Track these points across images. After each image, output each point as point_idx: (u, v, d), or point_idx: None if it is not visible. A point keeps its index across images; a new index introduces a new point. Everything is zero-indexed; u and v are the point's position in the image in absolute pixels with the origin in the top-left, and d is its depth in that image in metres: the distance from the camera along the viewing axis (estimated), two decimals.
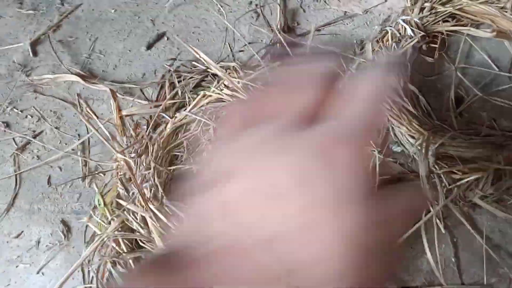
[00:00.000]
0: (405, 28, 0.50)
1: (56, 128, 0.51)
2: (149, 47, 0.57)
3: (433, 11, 0.53)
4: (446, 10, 0.52)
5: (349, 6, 0.55)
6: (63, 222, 0.46)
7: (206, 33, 0.57)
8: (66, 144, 0.50)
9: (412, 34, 0.49)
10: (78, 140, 0.50)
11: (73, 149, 0.49)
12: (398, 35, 0.50)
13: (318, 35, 0.54)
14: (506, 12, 0.49)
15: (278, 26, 0.54)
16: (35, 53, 0.57)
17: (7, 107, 0.53)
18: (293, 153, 0.19)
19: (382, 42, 0.51)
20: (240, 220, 0.19)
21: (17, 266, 0.45)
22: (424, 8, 0.53)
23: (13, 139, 0.51)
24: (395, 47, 0.49)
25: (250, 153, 0.20)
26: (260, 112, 0.22)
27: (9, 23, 0.59)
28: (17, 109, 0.53)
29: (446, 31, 0.51)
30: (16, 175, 0.49)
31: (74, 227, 0.46)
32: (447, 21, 0.53)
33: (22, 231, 0.46)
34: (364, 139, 0.20)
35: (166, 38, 0.57)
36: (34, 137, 0.51)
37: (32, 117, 0.52)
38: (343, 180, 0.18)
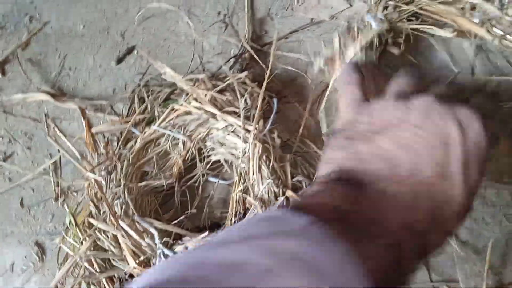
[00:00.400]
0: (370, 24, 0.50)
1: (28, 148, 0.51)
2: (119, 61, 0.56)
3: (397, 9, 0.53)
4: (409, 9, 0.52)
5: (315, 12, 0.55)
6: (37, 244, 0.46)
7: (176, 45, 0.57)
8: (38, 164, 0.50)
9: (377, 28, 0.49)
10: (50, 160, 0.50)
11: (44, 169, 0.49)
12: (362, 29, 0.49)
13: (285, 42, 0.54)
14: (466, 12, 0.50)
15: (246, 36, 0.54)
16: (3, 73, 0.56)
17: None
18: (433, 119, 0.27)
19: (349, 35, 0.51)
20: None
21: None
22: (388, 6, 0.52)
23: None
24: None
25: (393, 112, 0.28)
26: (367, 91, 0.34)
27: None
28: None
29: (410, 29, 0.52)
30: None
31: (48, 248, 0.46)
32: (411, 20, 0.53)
33: None
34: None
35: (136, 52, 0.57)
36: (5, 159, 0.51)
37: (2, 138, 0.52)
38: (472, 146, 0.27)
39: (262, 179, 0.44)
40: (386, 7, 0.53)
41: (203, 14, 0.58)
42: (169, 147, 0.47)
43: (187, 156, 0.49)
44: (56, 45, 0.58)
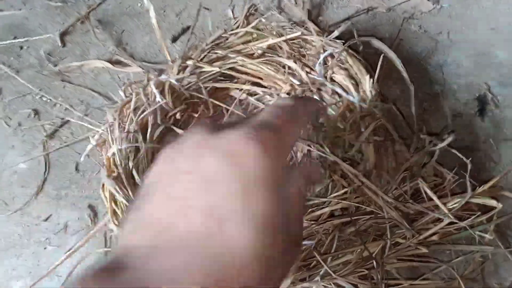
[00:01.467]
0: (154, 94, 0.44)
1: (85, 115, 0.52)
2: (174, 40, 0.58)
3: (200, 70, 0.48)
4: (212, 70, 0.46)
5: (372, 3, 0.56)
6: (90, 207, 0.48)
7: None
8: (95, 128, 0.51)
9: (159, 100, 0.44)
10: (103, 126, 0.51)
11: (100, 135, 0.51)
12: (145, 100, 0.44)
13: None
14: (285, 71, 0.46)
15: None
16: (63, 44, 0.58)
17: (36, 95, 0.55)
18: (203, 158, 0.23)
19: (122, 112, 0.45)
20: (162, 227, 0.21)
21: (45, 248, 0.46)
22: (187, 67, 0.47)
23: (42, 126, 0.53)
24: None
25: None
26: None
27: (39, 14, 0.61)
28: (46, 98, 0.54)
29: (210, 98, 0.47)
30: (45, 161, 0.50)
31: (100, 212, 0.47)
32: (222, 80, 0.48)
33: (51, 215, 0.48)
34: (266, 134, 0.24)
35: (190, 32, 0.58)
36: (62, 125, 0.52)
37: (60, 105, 0.54)
38: (248, 174, 0.22)
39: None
40: (185, 68, 0.48)
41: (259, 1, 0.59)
42: None
43: None
44: (114, 21, 0.60)
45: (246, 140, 0.23)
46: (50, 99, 0.54)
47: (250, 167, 0.22)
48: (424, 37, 0.56)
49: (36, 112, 0.54)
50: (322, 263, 0.36)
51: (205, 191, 0.22)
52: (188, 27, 0.59)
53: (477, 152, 0.49)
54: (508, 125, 0.50)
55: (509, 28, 0.55)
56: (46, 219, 0.47)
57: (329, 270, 0.36)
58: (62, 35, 0.59)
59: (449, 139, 0.41)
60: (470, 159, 0.42)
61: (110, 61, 0.56)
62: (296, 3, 0.57)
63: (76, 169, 0.50)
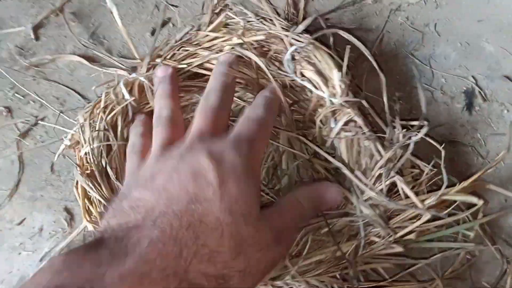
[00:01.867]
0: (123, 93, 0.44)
1: (60, 112, 0.50)
2: (153, 33, 0.55)
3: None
4: (184, 68, 0.46)
5: None
6: (66, 210, 0.46)
7: None
8: (69, 129, 0.49)
9: (128, 98, 0.43)
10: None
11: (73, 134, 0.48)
12: (114, 99, 0.44)
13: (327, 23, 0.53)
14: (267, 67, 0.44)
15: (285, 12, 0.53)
16: (37, 37, 0.55)
17: (8, 91, 0.52)
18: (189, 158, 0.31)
19: (93, 112, 0.44)
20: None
21: (19, 253, 0.44)
22: (156, 65, 0.46)
23: (15, 124, 0.50)
24: None
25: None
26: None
27: (11, 6, 0.58)
28: (19, 94, 0.52)
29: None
30: (19, 161, 0.48)
31: (77, 215, 0.46)
32: (192, 78, 0.47)
33: (25, 218, 0.46)
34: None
35: (171, 25, 0.56)
36: (36, 124, 0.50)
37: (34, 102, 0.51)
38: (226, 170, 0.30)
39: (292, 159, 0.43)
40: (154, 66, 0.47)
41: None
42: None
43: None
44: (90, 13, 0.57)
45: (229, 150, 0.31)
46: (24, 96, 0.52)
47: (228, 167, 0.29)
48: (411, 29, 0.54)
49: (9, 110, 0.51)
50: (289, 265, 0.35)
51: (184, 182, 0.28)
52: (170, 19, 0.56)
53: (465, 147, 0.48)
54: (496, 119, 0.49)
55: (497, 20, 0.54)
56: (20, 223, 0.45)
57: (295, 273, 0.35)
58: (36, 28, 0.56)
59: (424, 129, 0.40)
60: (442, 146, 0.40)
61: (85, 56, 0.53)
62: None
63: (52, 169, 0.48)
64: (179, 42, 0.49)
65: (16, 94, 0.52)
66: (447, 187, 0.39)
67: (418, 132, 0.41)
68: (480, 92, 0.50)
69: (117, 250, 0.23)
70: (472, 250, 0.41)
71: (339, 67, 0.44)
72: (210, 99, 0.38)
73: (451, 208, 0.39)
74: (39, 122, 0.50)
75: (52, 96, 0.52)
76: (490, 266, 0.43)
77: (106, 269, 0.22)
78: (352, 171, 0.40)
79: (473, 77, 0.51)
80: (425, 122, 0.42)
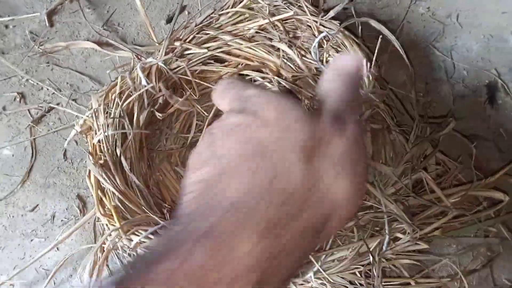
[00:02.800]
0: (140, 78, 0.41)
1: (73, 100, 0.50)
2: (169, 20, 0.55)
3: (188, 52, 0.45)
4: (200, 53, 0.43)
5: None
6: (79, 197, 0.45)
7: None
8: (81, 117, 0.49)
9: (145, 84, 0.41)
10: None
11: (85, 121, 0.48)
12: (131, 84, 0.42)
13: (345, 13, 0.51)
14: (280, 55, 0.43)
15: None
16: (51, 24, 0.55)
17: (22, 77, 0.52)
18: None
19: (108, 97, 0.42)
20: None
21: (31, 240, 0.44)
22: (175, 49, 0.44)
23: (28, 110, 0.50)
24: None
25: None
26: None
27: None
28: (33, 80, 0.51)
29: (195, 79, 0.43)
30: (32, 147, 0.47)
31: (89, 202, 0.45)
32: (211, 63, 0.45)
33: (37, 205, 0.45)
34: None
35: (187, 12, 0.55)
36: (49, 110, 0.49)
37: (48, 89, 0.51)
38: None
39: None
40: (173, 50, 0.45)
41: None
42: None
43: None
44: (105, 0, 0.57)
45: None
46: (37, 83, 0.51)
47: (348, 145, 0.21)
48: (432, 20, 0.53)
49: (22, 96, 0.51)
50: (313, 261, 0.34)
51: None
52: (185, 7, 0.55)
53: (486, 141, 0.47)
54: None
55: None
56: (32, 210, 0.45)
57: (320, 268, 0.34)
58: (50, 15, 0.55)
59: (451, 125, 0.39)
60: (474, 144, 0.38)
61: (99, 43, 0.52)
62: None
63: (64, 156, 0.47)
64: (200, 25, 0.47)
65: (29, 80, 0.51)
66: (469, 181, 0.38)
67: (444, 127, 0.40)
68: (503, 86, 0.49)
69: None
70: (497, 246, 0.40)
71: (367, 58, 0.43)
72: None
73: (474, 204, 0.38)
74: (53, 107, 0.49)
75: (65, 83, 0.51)
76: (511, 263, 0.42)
77: None
78: (376, 165, 0.39)
79: (496, 70, 0.50)
80: (451, 119, 0.40)
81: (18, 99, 0.50)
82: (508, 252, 0.41)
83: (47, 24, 0.54)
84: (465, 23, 0.53)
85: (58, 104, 0.50)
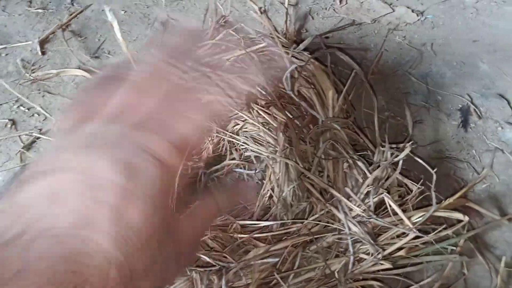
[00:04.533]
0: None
1: None
2: None
3: None
4: None
5: (357, 15, 0.56)
6: None
7: None
8: None
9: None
10: None
11: None
12: None
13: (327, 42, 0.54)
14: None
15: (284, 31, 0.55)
16: (43, 52, 0.57)
17: (13, 104, 0.53)
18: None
19: None
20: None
21: None
22: None
23: (19, 137, 0.51)
24: None
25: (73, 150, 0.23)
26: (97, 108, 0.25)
27: (18, 21, 0.59)
28: (24, 107, 0.53)
29: None
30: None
31: None
32: None
33: None
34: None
35: None
36: (40, 136, 0.51)
37: (38, 115, 0.52)
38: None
39: (287, 181, 0.44)
40: None
41: (240, 6, 0.59)
42: None
43: (218, 147, 0.49)
44: (96, 28, 0.59)
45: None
46: (28, 109, 0.53)
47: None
48: (408, 47, 0.56)
49: (13, 122, 0.52)
50: (280, 281, 0.36)
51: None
52: None
53: (460, 162, 0.49)
54: (491, 136, 0.50)
55: (491, 40, 0.56)
56: None
57: None
58: (42, 43, 0.57)
59: (407, 149, 0.41)
60: (435, 170, 0.40)
61: (90, 71, 0.54)
62: (282, 12, 0.56)
63: None
64: None
65: (21, 107, 0.53)
66: (436, 203, 0.40)
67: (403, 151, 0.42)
68: (475, 110, 0.52)
69: None
70: (456, 262, 0.42)
71: (336, 86, 0.45)
72: None
73: (435, 224, 0.40)
74: (44, 133, 0.51)
75: (56, 109, 0.53)
76: (484, 280, 0.43)
77: None
78: (339, 190, 0.41)
79: (468, 95, 0.53)
80: (408, 144, 0.42)
81: (9, 126, 0.52)
82: (479, 270, 0.43)
83: (39, 52, 0.56)
84: (439, 51, 0.56)
85: (48, 130, 0.51)
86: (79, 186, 0.21)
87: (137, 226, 0.21)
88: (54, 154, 0.23)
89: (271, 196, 0.46)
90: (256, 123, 0.47)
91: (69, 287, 0.18)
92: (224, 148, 0.50)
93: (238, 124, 0.48)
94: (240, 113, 0.48)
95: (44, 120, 0.52)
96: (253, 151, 0.46)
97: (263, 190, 0.46)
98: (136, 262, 0.21)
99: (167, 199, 0.24)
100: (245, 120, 0.47)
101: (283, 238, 0.40)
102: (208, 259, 0.37)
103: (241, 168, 0.50)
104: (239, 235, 0.39)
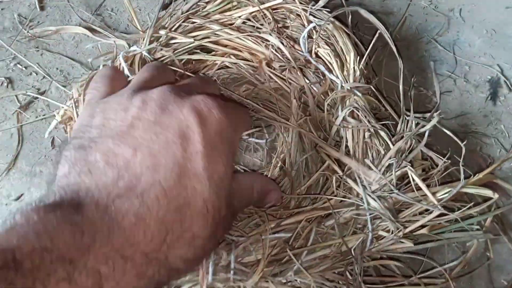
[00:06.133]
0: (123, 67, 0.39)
1: (63, 86, 0.48)
2: (165, 7, 0.53)
3: (174, 41, 0.43)
4: (186, 42, 0.41)
5: None
6: None
7: None
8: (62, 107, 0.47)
9: (128, 74, 0.38)
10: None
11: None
12: None
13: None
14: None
15: None
16: (42, 7, 0.53)
17: (10, 62, 0.50)
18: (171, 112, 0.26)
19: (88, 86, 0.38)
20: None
21: None
22: (160, 37, 0.42)
23: (16, 96, 0.48)
24: None
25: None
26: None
27: None
28: (21, 65, 0.49)
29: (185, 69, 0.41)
30: (18, 134, 0.46)
31: None
32: (198, 53, 0.43)
33: (23, 194, 0.43)
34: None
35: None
36: (38, 96, 0.48)
37: (36, 74, 0.49)
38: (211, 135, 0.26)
39: (301, 152, 0.41)
40: (158, 38, 0.43)
41: None
42: None
43: None
44: None
45: (212, 103, 0.26)
46: (26, 67, 0.49)
47: (217, 130, 0.25)
48: (435, 13, 0.52)
49: (10, 81, 0.49)
50: (293, 258, 0.33)
51: (170, 143, 0.24)
52: None
53: (487, 138, 0.45)
54: None
55: None
56: (17, 199, 0.43)
57: (300, 267, 0.33)
58: None
59: (435, 119, 0.37)
60: (464, 143, 0.37)
61: (91, 29, 0.50)
62: None
63: (52, 144, 0.46)
64: (186, 13, 0.46)
65: (18, 65, 0.49)
66: (457, 179, 0.37)
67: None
68: (505, 82, 0.48)
69: (100, 224, 0.21)
70: (481, 241, 0.39)
71: (357, 49, 0.41)
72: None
73: (459, 202, 0.37)
74: (42, 93, 0.48)
75: (55, 69, 0.49)
76: (509, 264, 0.40)
77: (89, 244, 0.20)
78: (358, 160, 0.37)
79: (498, 66, 0.49)
80: (436, 114, 0.38)
81: (5, 84, 0.48)
82: (506, 253, 0.40)
83: (38, 7, 0.53)
84: (467, 17, 0.51)
85: (47, 90, 0.48)
86: (168, 140, 0.24)
87: (222, 179, 0.25)
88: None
89: (281, 168, 0.43)
90: (268, 89, 0.44)
91: (177, 225, 0.22)
92: None
93: (249, 88, 0.44)
94: (250, 78, 0.44)
95: (42, 79, 0.49)
96: (264, 118, 0.43)
97: (274, 161, 0.43)
98: (223, 213, 0.25)
99: (233, 158, 0.28)
100: (256, 84, 0.44)
101: (295, 212, 0.37)
102: None
103: (249, 136, 0.47)
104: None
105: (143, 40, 0.44)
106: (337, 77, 0.40)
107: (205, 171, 0.24)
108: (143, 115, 0.25)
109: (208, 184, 0.24)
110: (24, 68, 0.49)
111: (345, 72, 0.41)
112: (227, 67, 0.44)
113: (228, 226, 0.29)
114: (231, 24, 0.44)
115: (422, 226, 0.36)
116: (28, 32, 0.51)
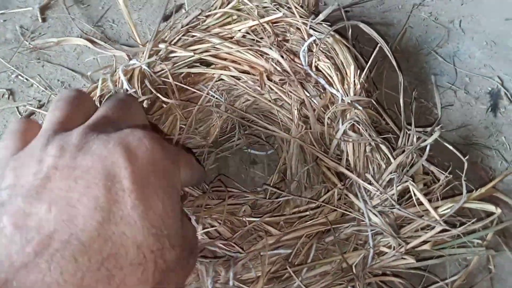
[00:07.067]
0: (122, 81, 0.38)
1: None
2: (165, 19, 0.53)
3: (173, 55, 0.42)
4: (186, 55, 0.41)
5: None
6: None
7: None
8: None
9: (128, 88, 0.38)
10: None
11: None
12: (112, 88, 0.39)
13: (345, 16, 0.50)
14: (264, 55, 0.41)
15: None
16: (43, 19, 0.53)
17: (11, 73, 0.50)
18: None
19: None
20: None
21: None
22: (160, 51, 0.42)
23: (17, 108, 0.48)
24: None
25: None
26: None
27: None
28: (23, 77, 0.50)
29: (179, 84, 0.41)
30: None
31: None
32: (197, 66, 0.43)
33: None
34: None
35: (183, 10, 0.54)
36: (40, 107, 0.48)
37: (37, 86, 0.49)
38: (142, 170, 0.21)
39: (301, 164, 0.41)
40: (157, 52, 0.42)
41: None
42: (213, 105, 0.43)
43: (226, 124, 0.46)
44: None
45: (141, 134, 0.22)
46: (27, 79, 0.49)
47: (146, 161, 0.21)
48: (435, 25, 0.52)
49: (11, 93, 0.49)
50: (293, 275, 0.32)
51: (92, 187, 0.20)
52: (182, 5, 0.54)
53: (488, 150, 0.45)
54: None
55: None
56: None
57: (301, 284, 0.32)
58: (43, 9, 0.54)
59: (436, 133, 0.36)
60: (466, 157, 0.36)
61: (92, 40, 0.51)
62: None
63: None
64: (186, 26, 0.46)
65: (19, 77, 0.50)
66: (459, 193, 0.36)
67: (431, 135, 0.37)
68: (506, 93, 0.48)
69: None
70: (482, 256, 0.38)
71: (357, 62, 0.41)
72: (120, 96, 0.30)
73: (461, 216, 0.36)
74: (38, 110, 0.48)
75: (56, 80, 0.49)
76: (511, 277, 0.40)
77: None
78: (359, 175, 0.37)
79: (499, 77, 0.49)
80: (437, 128, 0.37)
81: (6, 96, 0.49)
82: (506, 264, 0.40)
83: (40, 19, 0.53)
84: (467, 29, 0.52)
85: (48, 101, 0.48)
86: (94, 182, 0.20)
87: (162, 215, 0.21)
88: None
89: (283, 179, 0.42)
90: (268, 101, 0.44)
91: (103, 286, 0.18)
92: (233, 126, 0.46)
93: (249, 100, 0.44)
94: (251, 89, 0.44)
95: (43, 91, 0.49)
96: (265, 130, 0.43)
97: (276, 172, 0.43)
98: (168, 256, 0.21)
99: (177, 193, 0.23)
100: (257, 96, 0.44)
101: (296, 222, 0.37)
102: (214, 249, 0.34)
103: (251, 148, 0.47)
104: (249, 219, 0.36)
105: (143, 53, 0.44)
106: (338, 90, 0.40)
107: (134, 210, 0.20)
108: (60, 163, 0.21)
109: (141, 225, 0.20)
110: (25, 80, 0.49)
111: (345, 86, 0.41)
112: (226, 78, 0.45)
113: (188, 268, 0.24)
114: (231, 38, 0.44)
115: (424, 242, 0.36)
116: (29, 43, 0.51)
